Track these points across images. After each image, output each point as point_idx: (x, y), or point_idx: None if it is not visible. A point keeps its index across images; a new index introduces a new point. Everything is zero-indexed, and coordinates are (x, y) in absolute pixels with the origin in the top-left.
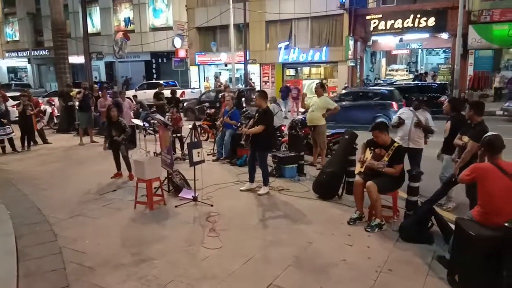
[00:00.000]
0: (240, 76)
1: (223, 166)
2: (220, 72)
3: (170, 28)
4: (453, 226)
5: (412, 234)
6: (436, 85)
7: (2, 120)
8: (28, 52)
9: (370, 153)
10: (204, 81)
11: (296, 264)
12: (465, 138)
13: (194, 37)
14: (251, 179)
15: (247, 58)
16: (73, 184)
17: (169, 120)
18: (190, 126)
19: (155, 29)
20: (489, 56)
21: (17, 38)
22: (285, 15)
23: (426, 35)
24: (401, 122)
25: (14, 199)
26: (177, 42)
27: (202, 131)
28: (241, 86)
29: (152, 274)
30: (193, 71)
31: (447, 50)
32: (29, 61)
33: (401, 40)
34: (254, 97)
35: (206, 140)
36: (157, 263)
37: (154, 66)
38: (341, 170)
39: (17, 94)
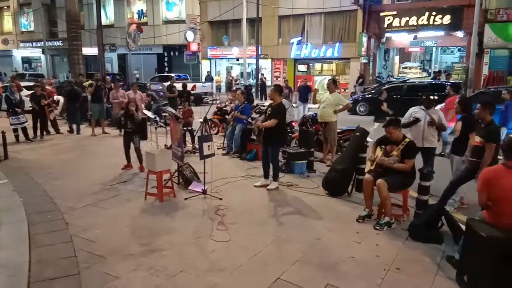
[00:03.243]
0: (252, 71)
1: (232, 160)
2: (231, 67)
3: (182, 21)
4: (463, 227)
5: (421, 233)
6: (450, 84)
7: (16, 109)
8: (42, 42)
9: (381, 151)
10: (216, 75)
11: (303, 260)
12: (477, 139)
13: (206, 31)
14: (266, 175)
15: (259, 53)
16: (84, 174)
17: (180, 113)
18: (201, 120)
19: (168, 22)
20: (505, 55)
21: (31, 29)
22: (298, 10)
23: (441, 33)
24: (415, 121)
25: (27, 187)
26: (190, 36)
27: (213, 125)
28: (252, 81)
29: (161, 265)
30: (204, 65)
31: (462, 48)
32: (43, 52)
33: (415, 37)
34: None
35: (216, 134)
36: (166, 254)
37: (166, 59)
38: (351, 167)
39: (31, 84)
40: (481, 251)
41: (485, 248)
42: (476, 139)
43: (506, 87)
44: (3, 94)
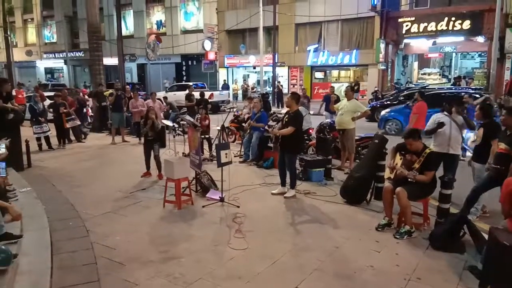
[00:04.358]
0: (268, 78)
1: (249, 168)
2: (248, 75)
3: (200, 31)
4: (486, 236)
5: (443, 242)
6: (471, 90)
7: (40, 118)
8: (65, 53)
9: (400, 159)
10: (233, 83)
11: (322, 269)
12: (502, 146)
13: (223, 40)
14: (283, 183)
15: (276, 61)
16: (104, 182)
17: (198, 121)
18: (219, 128)
19: (186, 32)
20: None
21: (54, 40)
22: (315, 17)
23: (461, 38)
24: (440, 124)
25: (49, 195)
26: (207, 45)
27: (230, 133)
28: (269, 88)
29: (179, 272)
30: (221, 73)
31: (482, 53)
32: (65, 62)
33: (434, 43)
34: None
35: (233, 141)
36: (184, 261)
37: (184, 68)
38: (370, 175)
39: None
40: (504, 261)
41: (508, 258)
42: (500, 146)
43: (467, 91)
44: (27, 104)
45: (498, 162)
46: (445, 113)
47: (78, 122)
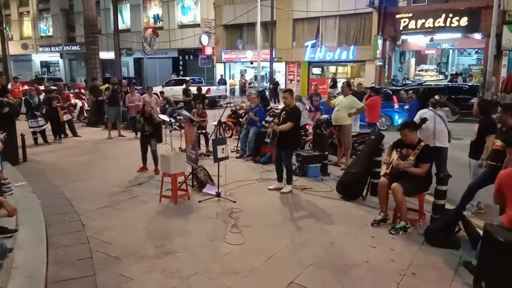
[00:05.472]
0: (266, 74)
1: (246, 163)
2: (245, 70)
3: (197, 26)
4: (481, 232)
5: (438, 238)
6: (467, 86)
7: (35, 112)
8: (61, 47)
9: (397, 154)
10: (230, 78)
11: (317, 264)
12: (498, 143)
13: (221, 35)
14: (279, 179)
15: (273, 56)
16: (100, 176)
17: (195, 116)
18: (215, 123)
19: (183, 26)
20: None
21: (50, 34)
22: (312, 13)
23: (458, 35)
24: (423, 120)
25: (45, 189)
26: (204, 40)
27: (227, 128)
28: (266, 84)
29: (175, 267)
30: (219, 68)
31: (479, 50)
32: (61, 56)
33: (431, 39)
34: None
35: (230, 137)
36: (180, 256)
37: (181, 63)
38: (366, 171)
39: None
40: (499, 257)
41: (503, 254)
42: (497, 143)
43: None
44: (23, 98)
45: (494, 159)
46: (430, 108)
47: (70, 117)
